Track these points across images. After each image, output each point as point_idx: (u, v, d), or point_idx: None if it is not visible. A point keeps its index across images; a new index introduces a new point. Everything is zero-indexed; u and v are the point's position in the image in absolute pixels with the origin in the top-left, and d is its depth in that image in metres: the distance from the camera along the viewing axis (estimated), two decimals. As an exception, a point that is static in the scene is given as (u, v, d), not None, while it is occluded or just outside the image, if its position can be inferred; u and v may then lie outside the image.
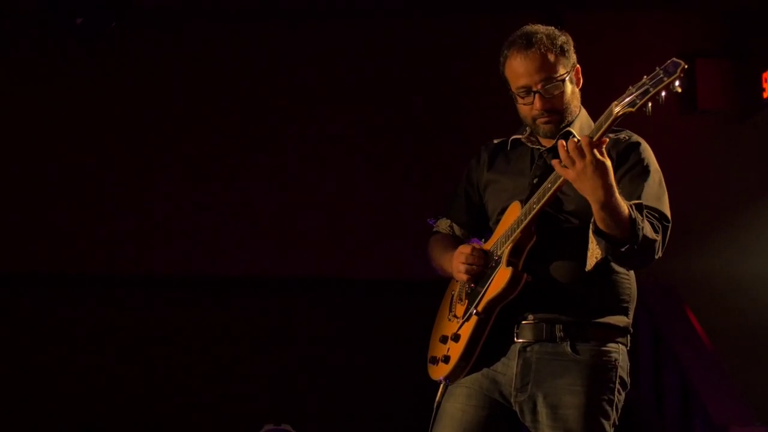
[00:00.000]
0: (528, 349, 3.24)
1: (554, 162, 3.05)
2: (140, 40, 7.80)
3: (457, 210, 3.52)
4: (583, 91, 3.35)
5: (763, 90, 7.50)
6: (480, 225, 3.48)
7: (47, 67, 7.92)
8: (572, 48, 3.29)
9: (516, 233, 3.20)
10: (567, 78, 3.25)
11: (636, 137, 3.29)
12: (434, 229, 3.59)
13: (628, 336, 3.31)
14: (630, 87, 2.98)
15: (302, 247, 7.90)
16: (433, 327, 3.47)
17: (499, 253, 3.24)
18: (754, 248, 7.72)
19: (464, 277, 3.28)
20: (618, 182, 3.13)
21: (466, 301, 3.30)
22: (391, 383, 7.64)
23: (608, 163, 2.99)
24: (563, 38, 3.27)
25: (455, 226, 3.53)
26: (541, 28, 3.27)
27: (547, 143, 3.31)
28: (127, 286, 7.96)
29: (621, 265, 3.21)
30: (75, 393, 7.81)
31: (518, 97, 3.28)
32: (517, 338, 3.25)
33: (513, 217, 3.24)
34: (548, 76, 3.22)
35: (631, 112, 2.96)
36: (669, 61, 2.94)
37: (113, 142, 7.95)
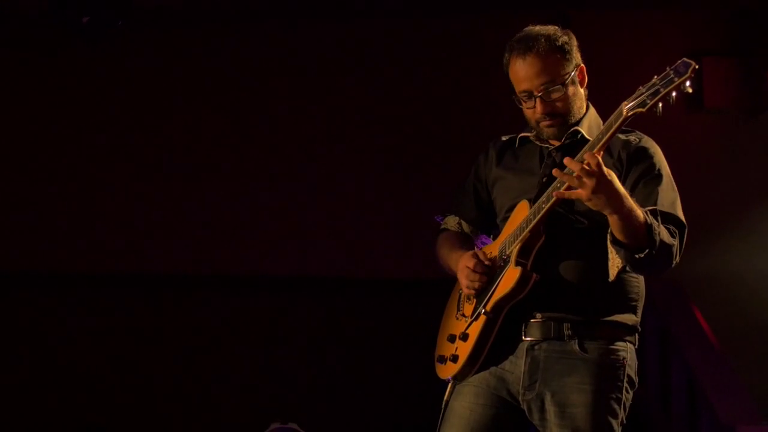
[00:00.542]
0: (536, 347, 3.24)
1: (558, 193, 3.03)
2: (144, 39, 7.80)
3: (465, 206, 3.52)
4: (589, 91, 3.34)
5: (770, 89, 7.50)
6: (488, 221, 3.48)
7: (51, 66, 7.93)
8: (575, 47, 3.26)
9: (525, 232, 3.19)
10: (568, 80, 3.23)
11: (646, 139, 3.28)
12: (441, 227, 3.59)
13: (636, 334, 3.30)
14: (640, 87, 2.97)
15: (307, 247, 7.90)
16: (441, 325, 3.47)
17: (507, 252, 3.24)
18: (761, 247, 7.71)
19: (471, 293, 3.28)
20: (631, 187, 3.16)
21: (474, 300, 3.29)
22: (398, 382, 7.64)
23: (612, 172, 2.99)
24: (564, 38, 3.25)
25: (463, 223, 3.52)
26: (541, 30, 3.25)
27: (556, 142, 3.31)
28: (131, 286, 7.96)
29: (641, 273, 3.21)
30: (78, 394, 7.82)
31: (521, 101, 3.28)
32: (525, 336, 3.25)
33: (521, 215, 3.24)
34: (548, 80, 3.21)
35: (641, 112, 2.95)
36: (679, 61, 2.93)
37: (116, 142, 7.95)
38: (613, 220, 3.03)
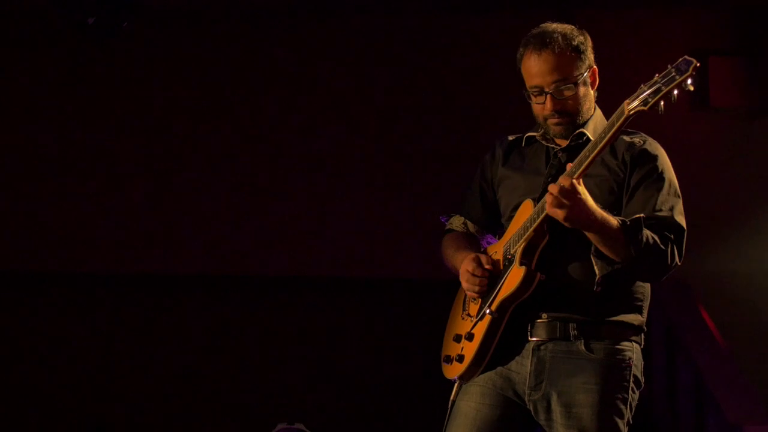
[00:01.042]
0: (542, 347, 3.24)
1: (547, 208, 3.08)
2: (150, 39, 7.81)
3: (471, 206, 3.52)
4: (595, 89, 3.34)
5: (776, 87, 7.49)
6: (494, 221, 3.48)
7: (57, 65, 7.93)
8: (589, 48, 3.27)
9: (529, 232, 3.19)
10: (580, 80, 3.24)
11: (650, 141, 3.29)
12: (447, 227, 3.59)
13: (642, 334, 3.31)
14: (642, 85, 2.97)
15: (307, 247, 7.89)
16: (447, 326, 3.48)
17: (512, 252, 3.24)
18: (768, 246, 7.72)
19: (473, 296, 3.29)
20: (632, 190, 3.19)
21: (480, 299, 3.29)
22: (404, 382, 7.64)
23: (585, 194, 3.04)
24: (580, 38, 3.26)
25: (469, 223, 3.52)
26: (558, 28, 3.26)
27: (562, 143, 3.31)
28: (135, 286, 7.97)
29: (634, 279, 3.24)
30: (79, 394, 7.82)
31: (531, 96, 3.28)
32: (531, 337, 3.25)
33: (525, 215, 3.24)
34: (561, 78, 3.22)
35: (643, 110, 2.95)
36: (681, 59, 2.93)
37: (119, 142, 7.96)
38: (589, 236, 3.10)
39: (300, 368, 7.85)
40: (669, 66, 2.94)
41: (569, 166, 3.09)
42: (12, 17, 7.65)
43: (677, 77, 2.91)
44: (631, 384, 3.24)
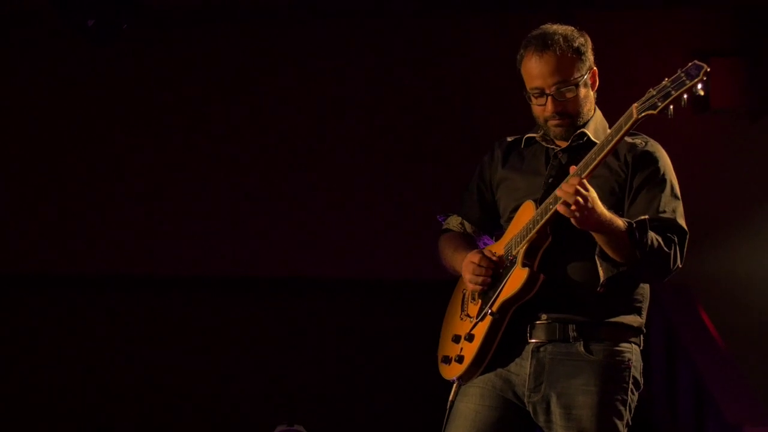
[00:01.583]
0: (541, 349, 3.23)
1: (558, 207, 3.07)
2: (149, 41, 7.81)
3: (468, 207, 3.51)
4: (595, 90, 3.34)
5: (776, 89, 7.49)
6: (491, 223, 3.47)
7: (57, 68, 7.94)
8: (590, 50, 3.26)
9: (531, 233, 3.19)
10: (581, 81, 3.23)
11: (652, 143, 3.28)
12: (444, 227, 3.57)
13: (642, 335, 3.30)
14: (650, 89, 2.96)
15: (307, 247, 7.89)
16: (443, 325, 3.46)
17: (513, 253, 3.23)
18: (767, 247, 7.71)
19: (478, 289, 3.28)
20: (635, 192, 3.19)
21: (480, 300, 3.29)
22: (403, 383, 7.64)
23: (595, 196, 3.03)
24: (581, 40, 3.25)
25: (466, 223, 3.51)
26: (559, 29, 3.25)
27: (562, 143, 3.30)
28: (135, 287, 7.97)
29: (637, 280, 3.24)
30: (80, 394, 7.82)
31: (532, 97, 3.28)
32: (531, 338, 3.24)
33: (526, 216, 3.23)
34: (562, 80, 3.21)
35: (652, 114, 2.95)
36: (691, 64, 2.92)
37: (120, 143, 7.96)
38: (596, 237, 3.10)
39: (300, 369, 7.85)
40: (679, 70, 2.93)
41: (573, 168, 3.08)
42: (12, 18, 7.65)
43: (687, 81, 2.90)
44: (631, 385, 3.23)
